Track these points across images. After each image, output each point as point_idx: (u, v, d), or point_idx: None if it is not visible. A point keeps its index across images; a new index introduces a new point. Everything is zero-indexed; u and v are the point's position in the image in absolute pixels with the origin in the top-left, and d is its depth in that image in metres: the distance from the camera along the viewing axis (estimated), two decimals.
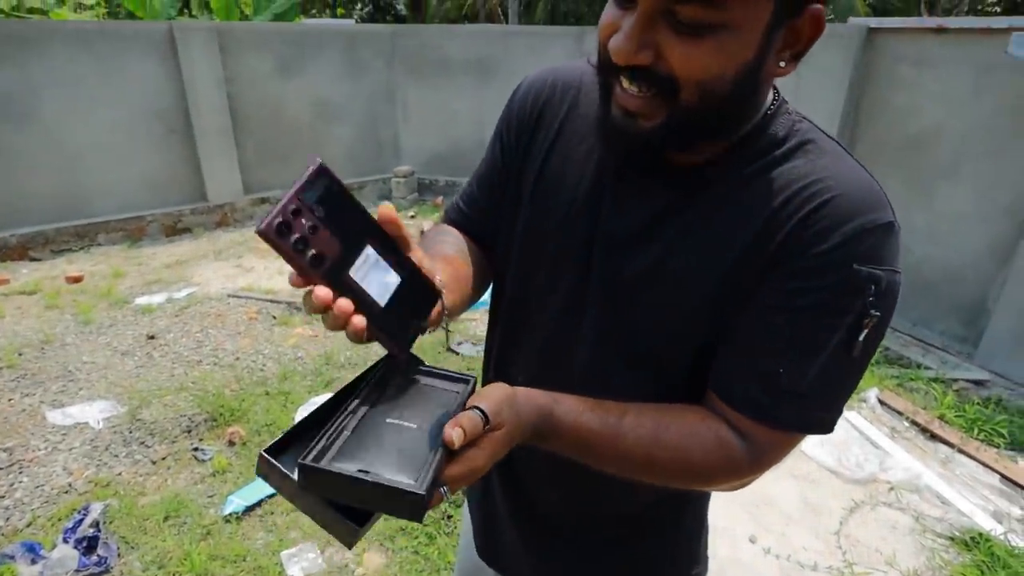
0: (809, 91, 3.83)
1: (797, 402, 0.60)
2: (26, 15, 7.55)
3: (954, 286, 3.53)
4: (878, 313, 0.57)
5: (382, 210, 0.54)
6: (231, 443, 2.59)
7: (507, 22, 9.09)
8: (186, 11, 8.50)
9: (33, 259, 4.75)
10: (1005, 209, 3.24)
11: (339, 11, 14.76)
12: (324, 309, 0.49)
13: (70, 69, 4.69)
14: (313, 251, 0.48)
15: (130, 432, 2.68)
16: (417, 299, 0.57)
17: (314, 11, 14.06)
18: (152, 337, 3.50)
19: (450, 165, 6.61)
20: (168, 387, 3.01)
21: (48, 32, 4.66)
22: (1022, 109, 3.11)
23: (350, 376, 0.83)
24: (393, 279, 0.53)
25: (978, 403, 2.99)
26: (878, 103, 3.74)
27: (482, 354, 0.92)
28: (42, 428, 2.70)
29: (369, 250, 0.52)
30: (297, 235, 0.47)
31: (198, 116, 5.28)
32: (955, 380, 3.21)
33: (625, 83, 0.56)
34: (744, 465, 0.63)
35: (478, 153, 0.88)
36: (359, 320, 0.49)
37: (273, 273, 4.58)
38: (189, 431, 2.68)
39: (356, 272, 0.51)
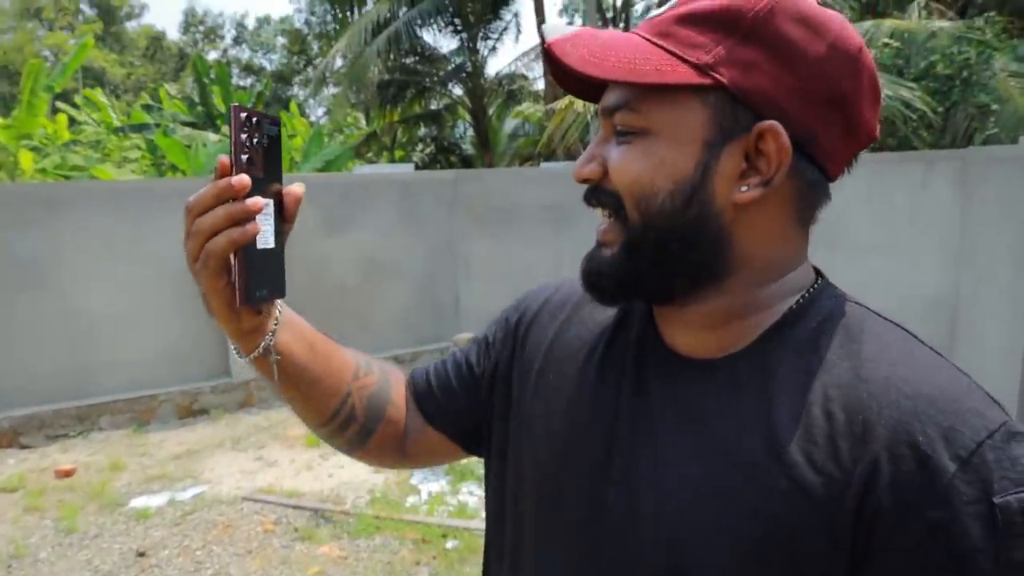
0: (986, 232, 3.71)
1: None
2: (69, 172, 8.73)
3: None
4: None
5: (297, 187, 0.68)
6: None
7: None
8: None
9: (24, 446, 4.90)
10: None
11: (398, 153, 16.27)
12: (230, 187, 0.59)
13: (99, 228, 5.23)
14: (248, 156, 0.62)
15: None
16: (269, 281, 0.67)
17: (370, 154, 15.56)
18: (142, 555, 3.39)
19: None
20: None
21: (81, 193, 5.25)
22: None
23: None
24: (268, 242, 0.65)
25: None
26: None
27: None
28: None
29: (270, 202, 0.65)
30: (250, 136, 0.62)
31: None
32: None
33: (598, 211, 0.67)
34: None
35: None
36: (254, 203, 0.60)
37: (300, 469, 4.50)
38: None
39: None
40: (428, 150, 16.66)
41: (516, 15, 15.17)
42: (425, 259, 6.76)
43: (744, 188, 0.60)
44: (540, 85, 18.79)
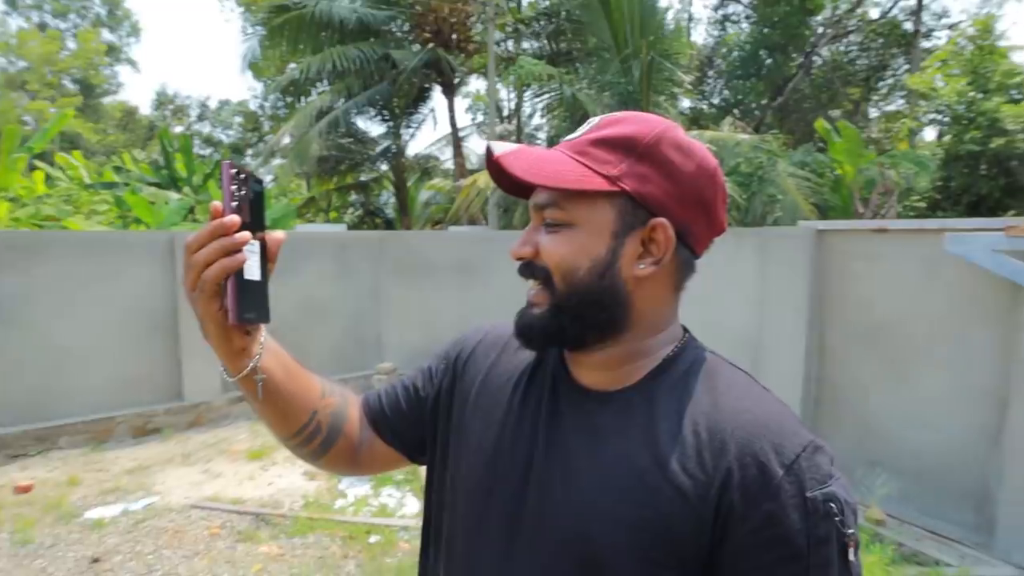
0: (778, 288, 4.04)
1: None
2: (42, 222, 7.92)
3: (953, 471, 3.37)
4: (852, 530, 0.58)
5: (279, 233, 0.69)
6: None
7: (488, 225, 9.82)
8: (191, 216, 9.03)
9: None
10: (984, 391, 3.22)
11: (332, 215, 15.87)
12: (222, 226, 0.61)
13: (70, 273, 4.80)
14: (237, 204, 0.63)
15: None
16: (256, 306, 0.66)
17: (309, 215, 15.09)
18: (96, 560, 3.06)
19: None
20: None
21: (54, 241, 4.82)
22: (974, 298, 3.26)
23: None
24: (255, 275, 0.66)
25: None
26: (839, 294, 3.91)
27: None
28: None
29: (256, 243, 0.66)
30: (238, 188, 0.63)
31: (186, 314, 5.28)
32: None
33: (529, 281, 0.70)
34: None
35: None
36: (242, 236, 0.62)
37: (243, 479, 4.22)
38: None
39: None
40: (357, 213, 16.35)
41: (432, 110, 15.38)
42: (354, 302, 6.61)
43: (642, 266, 0.65)
44: (449, 165, 19.00)
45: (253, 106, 21.89)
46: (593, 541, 0.63)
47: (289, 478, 4.25)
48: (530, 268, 0.69)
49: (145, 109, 25.59)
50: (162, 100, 25.58)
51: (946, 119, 7.56)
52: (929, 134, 12.21)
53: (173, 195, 10.77)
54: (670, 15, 15.54)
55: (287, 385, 0.78)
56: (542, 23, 12.42)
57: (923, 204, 7.90)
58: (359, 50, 10.67)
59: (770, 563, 0.57)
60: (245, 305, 0.65)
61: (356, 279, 6.63)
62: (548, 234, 0.67)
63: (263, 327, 0.74)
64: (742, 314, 4.35)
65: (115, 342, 5.02)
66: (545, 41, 12.47)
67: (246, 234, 0.62)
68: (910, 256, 3.55)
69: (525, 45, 13.10)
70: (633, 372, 0.69)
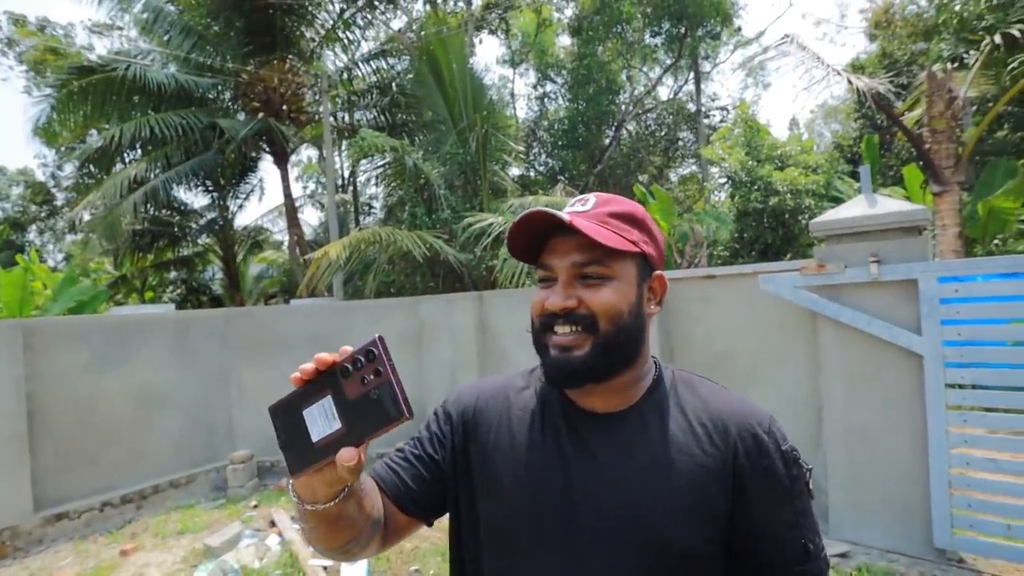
0: None
1: (817, 554, 0.85)
2: None
3: None
4: (810, 467, 0.88)
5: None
6: None
7: (333, 296, 9.58)
8: None
9: None
10: (804, 401, 3.96)
11: (148, 295, 14.22)
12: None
13: None
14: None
15: None
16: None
17: (119, 296, 13.36)
18: None
19: None
20: None
21: None
22: (787, 326, 4.04)
23: None
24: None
25: (852, 574, 3.26)
26: (684, 333, 4.56)
27: None
28: None
29: (328, 400, 0.67)
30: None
31: None
32: None
33: (559, 329, 0.82)
34: None
35: None
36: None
37: None
38: None
39: (307, 412, 0.68)
40: (178, 291, 14.91)
41: (261, 180, 14.80)
42: (198, 388, 6.02)
43: (652, 306, 0.88)
44: (279, 236, 18.23)
45: (42, 175, 19.18)
46: (657, 526, 0.80)
47: None
48: (573, 316, 0.82)
49: None
50: None
51: (734, 182, 9.22)
52: (721, 195, 14.61)
53: None
54: (497, 92, 17.00)
55: (369, 508, 0.83)
56: (375, 96, 12.83)
57: (727, 253, 9.43)
58: (181, 117, 10.08)
59: (772, 500, 0.83)
60: (303, 459, 0.69)
61: (199, 362, 6.07)
62: (590, 287, 0.82)
63: None
64: None
65: None
66: (379, 112, 12.85)
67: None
68: (734, 296, 4.30)
69: (359, 116, 13.36)
70: (635, 392, 0.88)
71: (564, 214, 0.82)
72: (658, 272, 0.89)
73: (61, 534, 4.77)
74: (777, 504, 0.83)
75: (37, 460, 4.75)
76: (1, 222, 17.05)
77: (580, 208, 0.86)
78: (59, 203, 17.96)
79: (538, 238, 0.86)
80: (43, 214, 18.40)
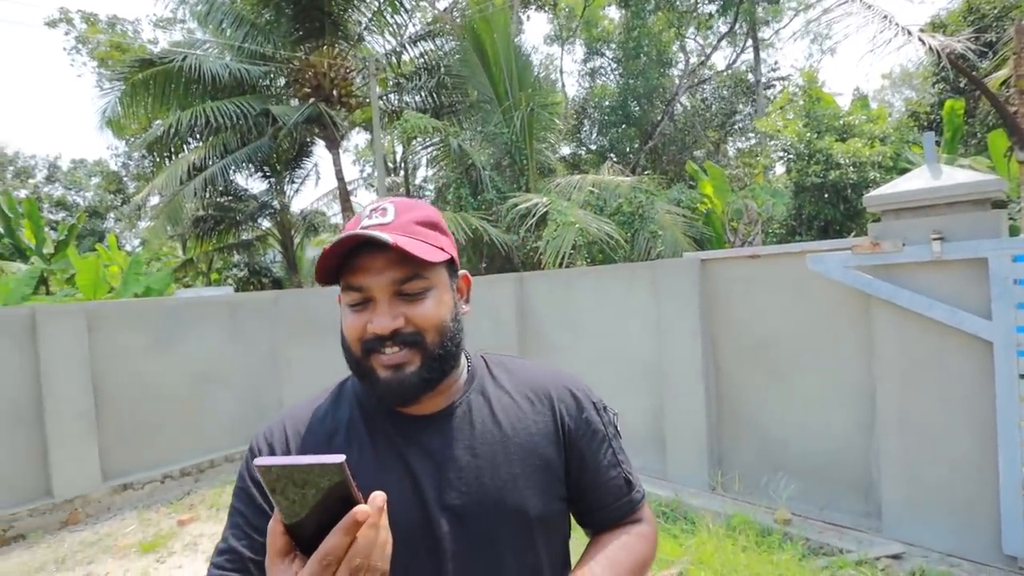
0: (672, 316, 4.39)
1: (636, 482, 1.00)
2: None
3: (841, 465, 3.79)
4: (616, 411, 1.03)
5: (363, 510, 0.59)
6: None
7: None
8: (43, 287, 8.15)
9: None
10: (854, 388, 3.70)
11: (214, 277, 14.94)
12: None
13: None
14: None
15: None
16: None
17: (187, 279, 14.09)
18: None
19: None
20: None
21: None
22: (836, 309, 3.76)
23: None
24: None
25: None
26: (725, 316, 4.34)
27: None
28: None
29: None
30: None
31: (53, 400, 4.73)
32: (877, 558, 3.27)
33: (387, 350, 0.80)
34: (656, 534, 1.02)
35: None
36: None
37: None
38: None
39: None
40: (242, 274, 15.54)
41: (316, 164, 15.14)
42: (250, 368, 6.25)
43: (464, 306, 0.91)
44: (336, 219, 18.68)
45: (114, 165, 20.31)
46: (513, 503, 0.85)
47: (192, 567, 3.88)
48: (400, 336, 0.80)
49: None
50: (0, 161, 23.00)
51: (791, 156, 8.70)
52: (780, 168, 13.89)
53: (22, 266, 9.69)
54: (544, 70, 16.67)
55: None
56: (423, 78, 12.83)
57: (783, 230, 8.95)
58: (235, 105, 10.39)
59: (596, 446, 0.95)
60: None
61: (251, 343, 6.29)
62: (412, 303, 0.81)
63: None
64: (643, 343, 4.67)
65: None
66: (427, 95, 12.85)
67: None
68: (780, 276, 4.04)
69: (407, 99, 13.40)
70: (456, 388, 0.91)
71: (386, 236, 0.77)
72: (462, 271, 0.92)
73: (127, 503, 5.08)
74: (600, 448, 0.95)
75: (103, 435, 5.05)
76: (82, 210, 18.23)
77: (381, 220, 0.82)
78: (131, 191, 18.99)
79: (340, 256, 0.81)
80: (118, 202, 19.54)
